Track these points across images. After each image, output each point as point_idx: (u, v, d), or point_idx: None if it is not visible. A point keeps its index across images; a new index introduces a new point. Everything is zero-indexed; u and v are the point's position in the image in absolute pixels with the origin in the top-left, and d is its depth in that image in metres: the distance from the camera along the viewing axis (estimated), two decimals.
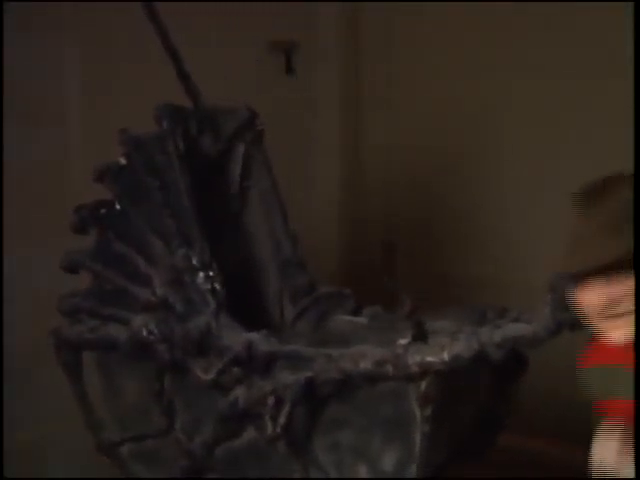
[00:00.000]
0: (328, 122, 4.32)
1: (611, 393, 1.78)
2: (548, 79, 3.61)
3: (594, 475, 1.73)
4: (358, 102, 4.37)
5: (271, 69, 4.11)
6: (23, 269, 3.27)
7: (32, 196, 3.30)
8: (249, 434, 2.44)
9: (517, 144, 3.80)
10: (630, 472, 1.65)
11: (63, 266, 2.74)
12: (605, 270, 1.60)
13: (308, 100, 4.26)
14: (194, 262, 2.58)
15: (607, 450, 1.70)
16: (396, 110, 4.19)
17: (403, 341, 2.19)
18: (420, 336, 2.20)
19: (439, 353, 2.14)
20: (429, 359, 2.15)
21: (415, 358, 2.16)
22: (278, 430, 2.29)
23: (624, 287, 1.61)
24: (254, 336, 2.39)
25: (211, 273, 2.57)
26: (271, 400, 2.29)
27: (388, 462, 2.28)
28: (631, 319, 1.64)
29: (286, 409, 2.28)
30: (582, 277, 1.64)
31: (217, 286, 2.56)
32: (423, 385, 2.17)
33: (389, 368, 2.19)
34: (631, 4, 2.98)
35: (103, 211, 2.73)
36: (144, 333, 2.45)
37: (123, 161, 2.72)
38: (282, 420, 2.28)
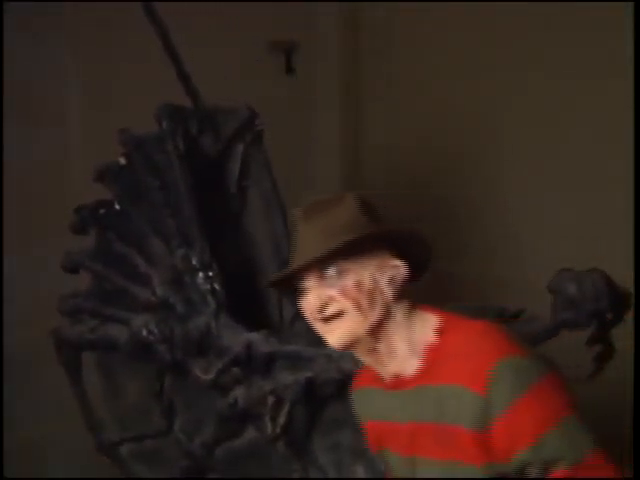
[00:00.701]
0: (328, 122, 4.32)
1: (366, 415, 1.77)
2: (548, 79, 3.60)
3: None
4: (358, 102, 4.37)
5: (271, 69, 4.11)
6: (23, 269, 3.27)
7: (32, 196, 3.30)
8: (249, 434, 2.44)
9: (517, 144, 3.79)
10: None
11: (63, 266, 2.74)
12: (316, 267, 1.56)
13: (308, 100, 4.26)
14: (194, 262, 2.58)
15: None
16: (396, 110, 4.19)
17: None
18: None
19: None
20: None
21: None
22: (278, 430, 2.29)
23: (335, 288, 1.56)
24: (254, 336, 2.39)
25: (211, 273, 2.57)
26: (271, 400, 2.29)
27: None
28: (344, 322, 1.57)
29: (286, 409, 2.28)
30: (298, 277, 1.59)
31: (217, 286, 2.56)
32: None
33: None
34: (631, 4, 2.97)
35: (103, 211, 2.73)
36: (144, 333, 2.45)
37: (123, 161, 2.73)
38: (282, 420, 2.28)
